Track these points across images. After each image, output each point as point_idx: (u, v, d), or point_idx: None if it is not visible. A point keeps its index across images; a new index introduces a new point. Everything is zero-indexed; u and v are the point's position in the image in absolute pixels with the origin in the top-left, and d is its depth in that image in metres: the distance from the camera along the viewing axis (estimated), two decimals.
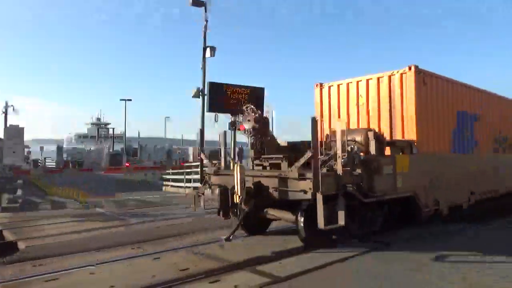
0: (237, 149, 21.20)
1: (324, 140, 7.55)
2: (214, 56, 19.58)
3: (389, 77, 8.86)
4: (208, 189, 8.05)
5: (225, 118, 17.39)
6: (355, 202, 6.76)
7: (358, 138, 7.46)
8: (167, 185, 21.49)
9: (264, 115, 7.86)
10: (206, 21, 19.48)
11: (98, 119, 67.83)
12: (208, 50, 19.44)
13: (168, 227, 9.55)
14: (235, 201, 6.68)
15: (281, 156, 7.44)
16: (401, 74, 8.65)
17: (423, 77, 8.69)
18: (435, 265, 5.87)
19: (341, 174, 6.39)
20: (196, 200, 8.24)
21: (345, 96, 9.71)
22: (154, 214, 12.03)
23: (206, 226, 9.19)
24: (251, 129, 7.69)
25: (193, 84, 20.23)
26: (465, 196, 9.60)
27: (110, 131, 63.68)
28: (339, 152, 6.37)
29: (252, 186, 6.83)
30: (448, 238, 7.67)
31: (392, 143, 7.82)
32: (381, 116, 8.97)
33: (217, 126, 18.17)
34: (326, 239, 6.98)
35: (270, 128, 8.24)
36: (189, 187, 18.94)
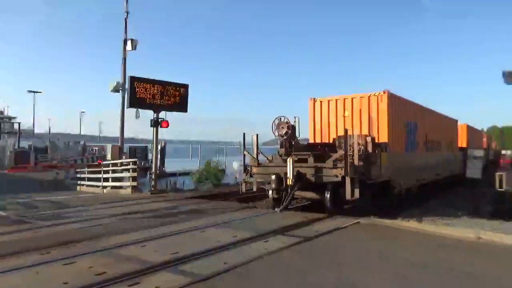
0: (160, 145, 21.88)
1: (332, 141, 10.91)
2: (135, 49, 18.82)
3: (369, 97, 12.53)
4: (250, 177, 10.97)
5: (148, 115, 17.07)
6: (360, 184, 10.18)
7: (360, 141, 10.88)
8: (82, 185, 19.77)
9: (292, 123, 10.94)
10: (127, 12, 19.10)
11: (1, 112, 62.45)
12: (129, 42, 18.69)
13: (82, 230, 8.73)
14: (288, 183, 9.68)
15: (309, 153, 10.60)
16: (377, 96, 12.36)
17: (391, 98, 12.49)
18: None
19: (357, 165, 9.76)
20: (242, 185, 11.06)
21: (334, 109, 13.20)
22: (66, 216, 10.83)
23: (125, 228, 8.74)
24: (283, 133, 10.74)
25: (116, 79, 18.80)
26: (413, 182, 13.71)
27: (16, 126, 58.54)
28: (356, 150, 9.75)
29: (296, 173, 9.89)
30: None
31: (379, 145, 11.41)
32: (362, 125, 12.59)
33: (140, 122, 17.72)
34: (340, 210, 10.33)
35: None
36: (107, 187, 17.60)
